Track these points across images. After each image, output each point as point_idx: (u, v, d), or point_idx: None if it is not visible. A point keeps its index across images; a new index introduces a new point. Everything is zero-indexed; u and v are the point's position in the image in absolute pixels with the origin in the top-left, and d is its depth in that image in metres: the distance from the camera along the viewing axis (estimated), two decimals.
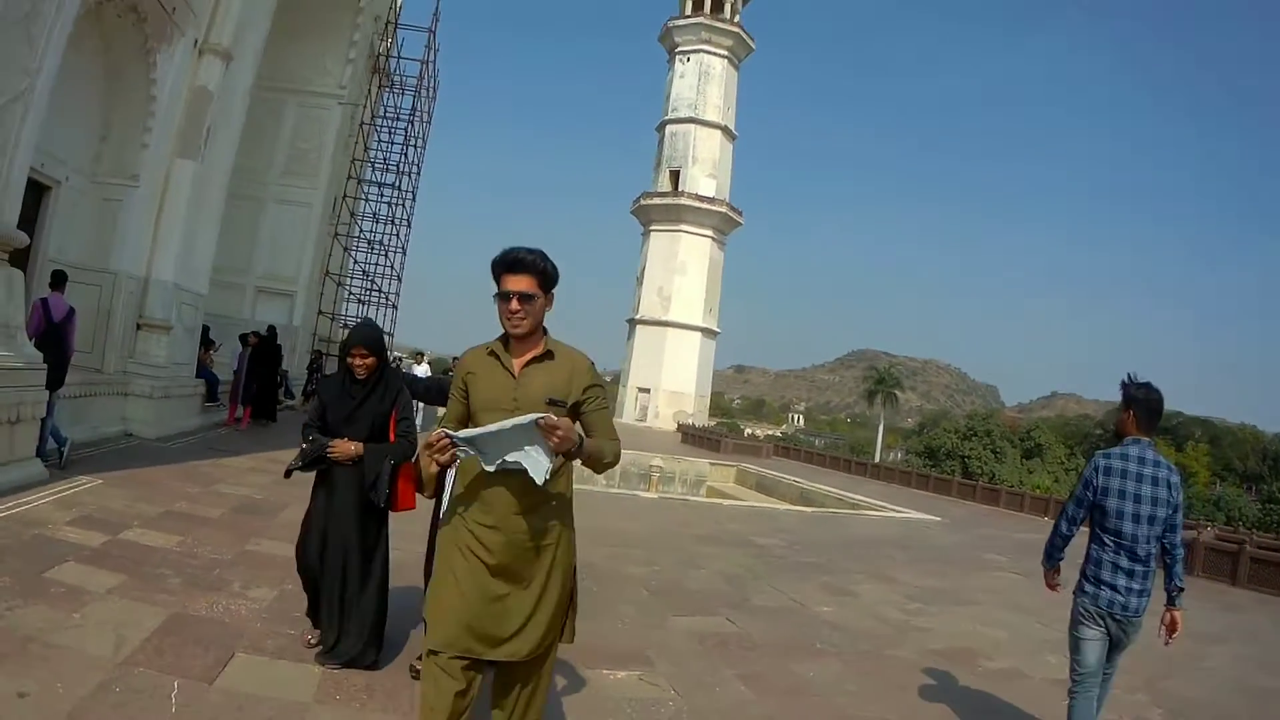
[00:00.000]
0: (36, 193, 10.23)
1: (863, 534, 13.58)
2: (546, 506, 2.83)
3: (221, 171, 12.97)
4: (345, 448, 4.24)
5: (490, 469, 2.64)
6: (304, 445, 4.34)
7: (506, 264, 2.84)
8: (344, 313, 24.95)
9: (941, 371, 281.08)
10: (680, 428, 45.10)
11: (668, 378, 55.09)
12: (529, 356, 2.90)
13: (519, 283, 2.82)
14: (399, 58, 24.60)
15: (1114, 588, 3.93)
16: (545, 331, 2.96)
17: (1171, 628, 4.01)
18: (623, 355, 59.95)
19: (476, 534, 2.78)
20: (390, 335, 28.32)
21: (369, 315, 25.38)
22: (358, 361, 4.31)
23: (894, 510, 18.13)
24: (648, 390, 55.59)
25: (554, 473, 2.66)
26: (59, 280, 8.64)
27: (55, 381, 8.10)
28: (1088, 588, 4.04)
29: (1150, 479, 3.93)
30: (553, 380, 2.86)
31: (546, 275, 2.86)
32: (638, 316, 57.15)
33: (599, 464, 2.90)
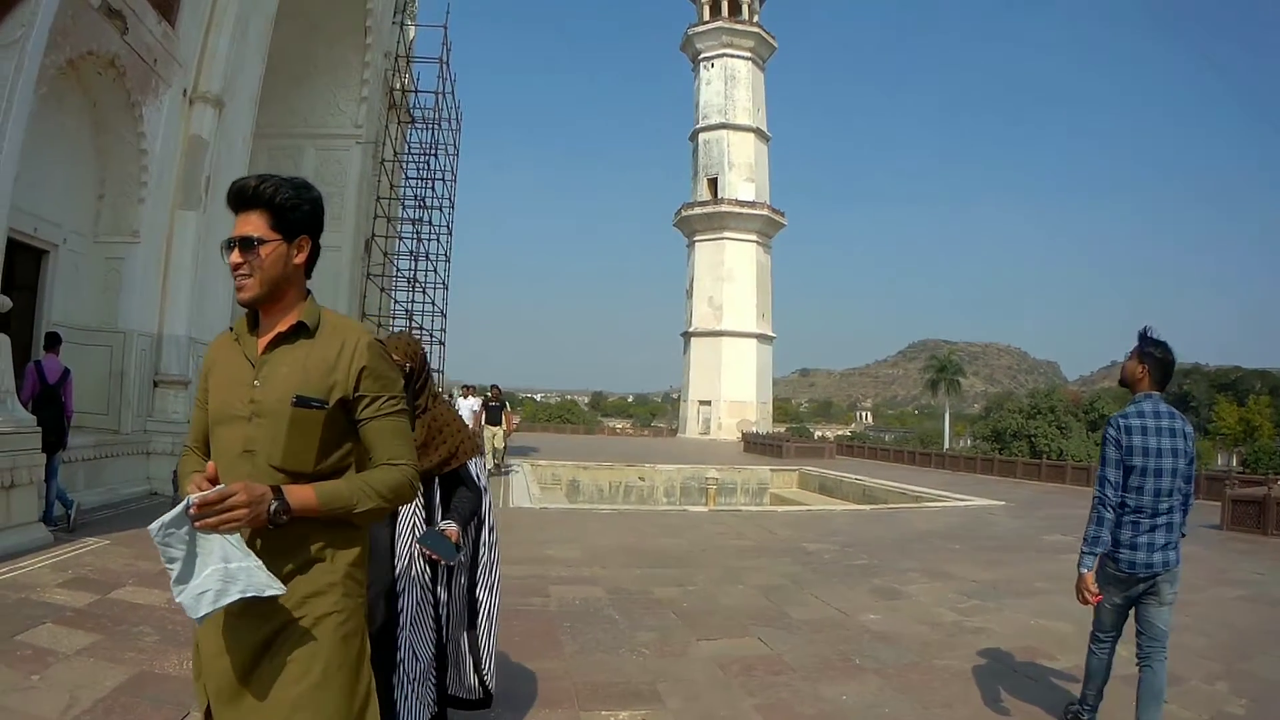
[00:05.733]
0: (35, 258, 10.26)
1: (920, 528, 12.82)
2: (310, 571, 1.92)
3: (229, 220, 12.67)
4: None
5: (198, 618, 1.77)
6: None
7: (230, 200, 2.00)
8: None
9: (1002, 353, 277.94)
10: (744, 437, 44.42)
11: (727, 388, 54.91)
12: (274, 333, 2.00)
13: (244, 224, 1.97)
14: (416, 92, 24.51)
15: (1134, 547, 3.88)
16: (308, 296, 2.07)
17: None
18: (680, 371, 59.65)
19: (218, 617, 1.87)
20: (440, 373, 28.19)
21: None
22: None
23: (956, 499, 17.38)
24: (708, 403, 55.56)
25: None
26: (53, 342, 8.61)
27: (54, 444, 8.04)
28: (1109, 551, 3.96)
29: (1169, 431, 3.89)
30: (306, 367, 1.95)
31: (284, 211, 1.97)
32: (691, 329, 57.28)
33: (350, 514, 1.91)
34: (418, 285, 25.42)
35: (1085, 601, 3.93)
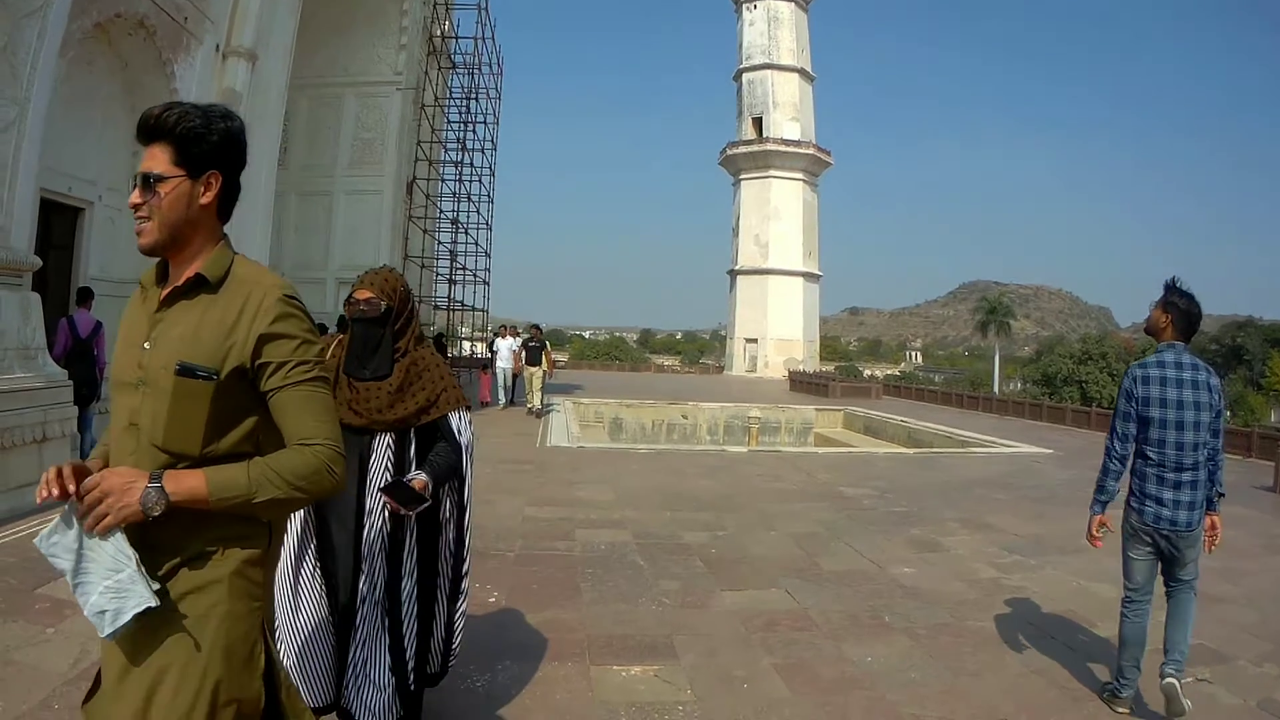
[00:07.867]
0: (70, 216, 10.43)
1: (964, 475, 12.40)
2: (195, 566, 1.68)
3: (265, 169, 12.79)
4: None
5: (105, 635, 1.60)
6: None
7: (137, 132, 1.75)
8: (434, 294, 24.96)
9: (1053, 297, 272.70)
10: (790, 375, 44.17)
11: (774, 326, 54.85)
12: (172, 286, 1.75)
13: (148, 159, 1.72)
14: (456, 38, 24.35)
15: (1159, 501, 3.86)
16: (221, 243, 1.81)
17: (1211, 531, 3.90)
18: (726, 309, 59.46)
19: None
20: (484, 311, 28.40)
21: (459, 295, 25.33)
22: None
23: (1003, 445, 16.90)
24: (755, 340, 55.51)
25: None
26: (84, 297, 8.73)
27: (87, 397, 8.20)
28: (1133, 503, 3.98)
29: (1190, 383, 3.84)
30: (199, 329, 1.69)
31: (186, 142, 1.70)
32: (737, 267, 57.21)
33: (250, 505, 1.65)
34: (460, 226, 25.47)
35: (1092, 543, 4.04)
